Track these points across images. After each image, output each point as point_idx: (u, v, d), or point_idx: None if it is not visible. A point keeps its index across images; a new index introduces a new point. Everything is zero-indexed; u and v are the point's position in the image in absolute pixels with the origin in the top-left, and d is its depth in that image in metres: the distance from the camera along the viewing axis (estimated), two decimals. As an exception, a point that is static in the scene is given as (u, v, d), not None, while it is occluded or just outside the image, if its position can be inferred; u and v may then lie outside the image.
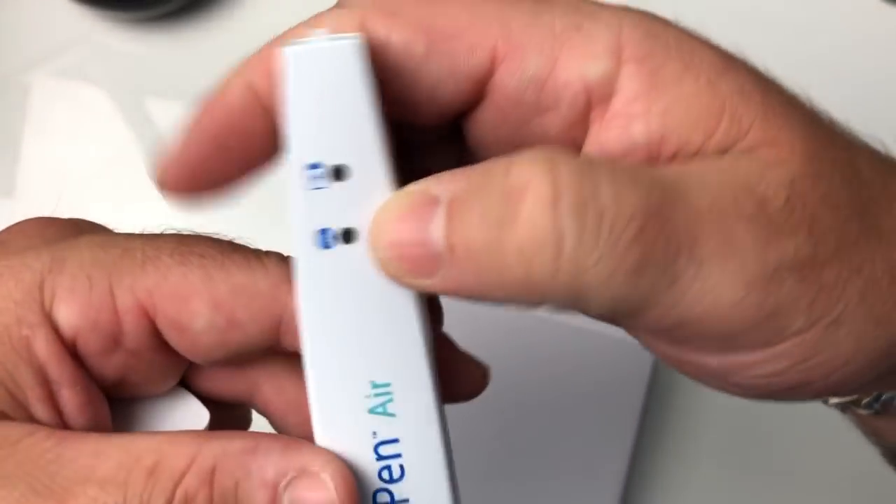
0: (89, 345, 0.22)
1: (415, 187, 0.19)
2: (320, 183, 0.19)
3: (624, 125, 0.19)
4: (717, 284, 0.18)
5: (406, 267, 0.19)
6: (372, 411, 0.21)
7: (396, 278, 0.19)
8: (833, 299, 0.19)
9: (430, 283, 0.19)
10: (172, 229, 0.24)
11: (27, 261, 0.22)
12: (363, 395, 0.21)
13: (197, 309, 0.22)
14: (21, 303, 0.22)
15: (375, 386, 0.20)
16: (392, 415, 0.21)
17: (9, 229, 0.24)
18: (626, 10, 0.20)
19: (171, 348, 0.23)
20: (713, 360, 0.20)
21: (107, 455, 0.21)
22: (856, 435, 0.28)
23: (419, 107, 0.21)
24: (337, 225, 0.19)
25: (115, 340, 0.23)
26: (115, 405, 0.24)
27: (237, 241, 0.24)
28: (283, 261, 0.23)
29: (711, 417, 0.45)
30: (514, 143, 0.21)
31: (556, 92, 0.20)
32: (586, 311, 0.19)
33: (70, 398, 0.22)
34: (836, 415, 0.27)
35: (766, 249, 0.18)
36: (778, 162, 0.19)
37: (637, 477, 0.44)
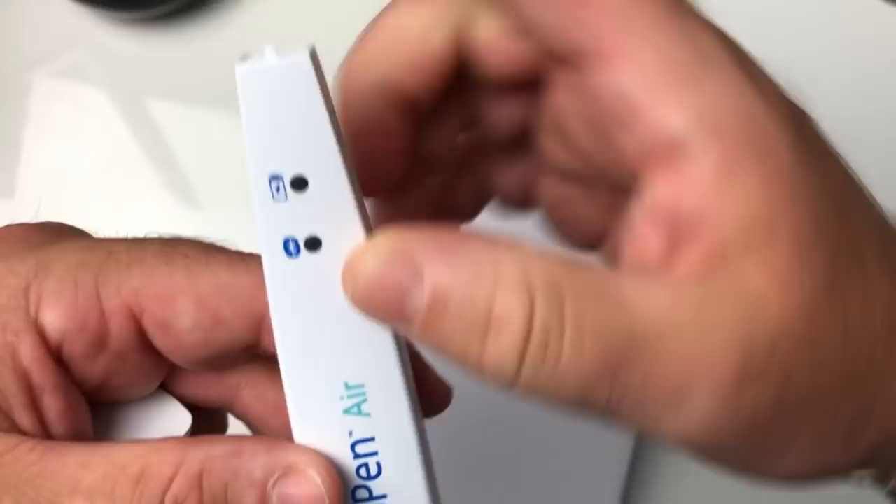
0: (75, 348, 0.22)
1: (395, 244, 0.18)
2: (281, 194, 0.20)
3: (679, 197, 0.18)
4: (677, 428, 0.18)
5: (379, 313, 0.19)
6: (347, 412, 0.21)
7: (369, 316, 0.19)
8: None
9: (402, 328, 0.19)
10: (156, 233, 0.25)
11: (12, 266, 0.22)
12: (338, 396, 0.21)
13: (182, 307, 0.23)
14: (6, 308, 0.22)
15: (349, 387, 0.21)
16: (367, 414, 0.21)
17: None
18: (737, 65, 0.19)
19: (154, 350, 0.23)
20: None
21: (91, 466, 0.21)
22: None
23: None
24: (301, 234, 0.20)
25: (101, 342, 0.23)
26: (97, 410, 0.24)
27: (219, 244, 0.24)
28: None
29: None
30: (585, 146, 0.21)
31: (637, 124, 0.19)
32: None
33: (52, 404, 0.22)
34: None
35: (725, 406, 0.18)
36: (773, 317, 0.18)
37: (637, 477, 0.44)
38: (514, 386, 0.18)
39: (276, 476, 0.21)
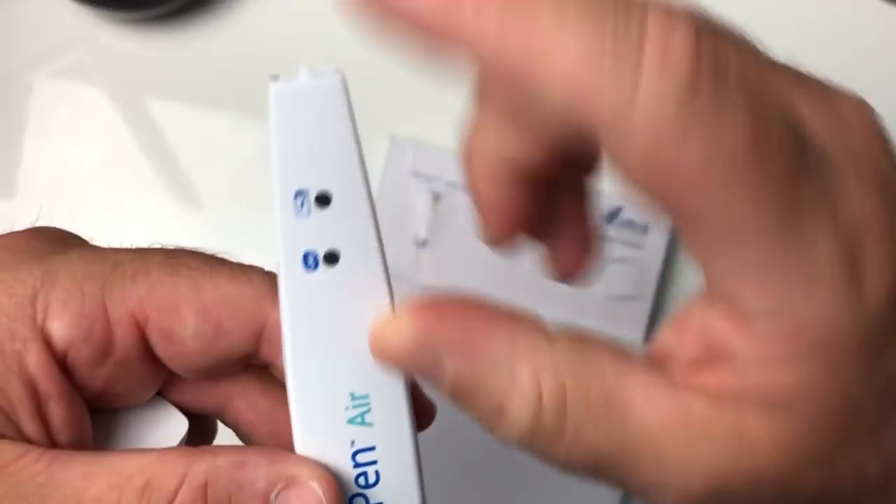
0: (81, 356, 0.23)
1: (419, 329, 0.19)
2: (305, 209, 0.21)
3: (730, 335, 0.18)
4: None
5: (406, 375, 0.21)
6: (351, 421, 0.22)
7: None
8: None
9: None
10: (158, 243, 0.25)
11: (19, 275, 0.23)
12: (343, 406, 0.22)
13: (186, 318, 0.23)
14: (14, 317, 0.22)
15: (354, 398, 0.22)
16: (370, 424, 0.22)
17: None
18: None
19: (156, 359, 0.24)
20: None
21: (96, 476, 0.21)
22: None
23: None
24: (321, 248, 0.21)
25: (106, 351, 0.23)
26: (96, 416, 0.24)
27: (220, 255, 0.25)
28: (266, 275, 0.24)
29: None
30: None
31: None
32: None
33: (57, 411, 0.23)
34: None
35: None
36: (758, 465, 0.18)
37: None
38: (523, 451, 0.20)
39: (278, 488, 0.22)
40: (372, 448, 0.22)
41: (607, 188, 0.23)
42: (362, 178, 0.21)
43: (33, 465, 0.21)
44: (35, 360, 0.22)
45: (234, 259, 0.25)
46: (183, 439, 0.25)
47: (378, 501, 0.22)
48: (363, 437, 0.22)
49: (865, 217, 0.17)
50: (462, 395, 0.19)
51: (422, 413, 0.24)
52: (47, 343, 0.22)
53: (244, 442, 0.27)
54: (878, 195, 0.18)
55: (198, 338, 0.23)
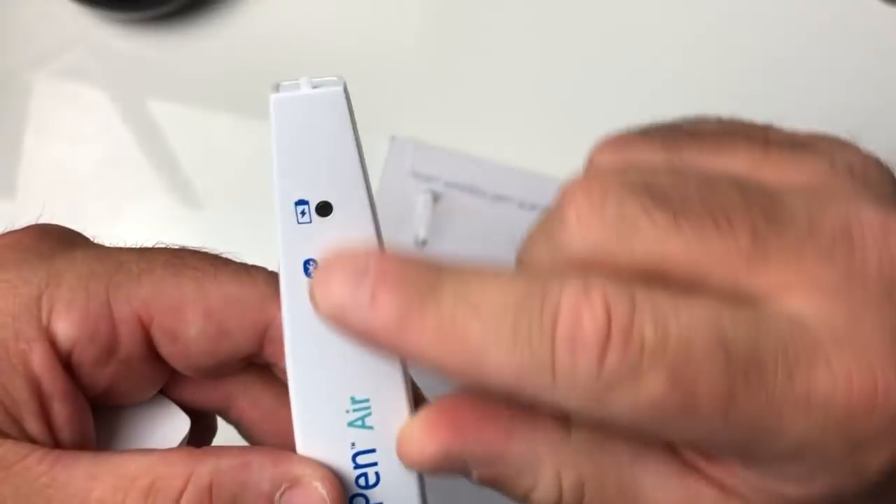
0: (85, 355, 0.23)
1: (443, 448, 0.20)
2: (306, 218, 0.21)
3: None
4: None
5: None
6: (351, 424, 0.22)
7: None
8: None
9: None
10: (162, 243, 0.25)
11: (24, 275, 0.23)
12: (343, 409, 0.22)
13: (190, 318, 0.23)
14: (18, 317, 0.22)
15: (355, 401, 0.22)
16: (370, 427, 0.22)
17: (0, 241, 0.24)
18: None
19: (159, 358, 0.24)
20: None
21: (101, 477, 0.21)
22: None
23: None
24: (321, 256, 0.21)
25: (110, 351, 0.23)
26: (98, 414, 0.24)
27: (220, 246, 0.25)
28: (270, 275, 0.24)
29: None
30: None
31: None
32: None
33: (61, 411, 0.23)
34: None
35: None
36: None
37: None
38: None
39: (283, 488, 0.22)
40: (372, 450, 0.22)
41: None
42: (364, 187, 0.21)
43: (37, 466, 0.21)
44: (40, 360, 0.22)
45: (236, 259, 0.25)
46: (185, 438, 0.25)
47: (378, 501, 0.22)
48: (364, 440, 0.22)
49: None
50: (489, 487, 0.21)
51: None
52: (52, 343, 0.22)
53: (245, 439, 0.27)
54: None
55: (202, 338, 0.23)
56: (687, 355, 0.17)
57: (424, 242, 0.45)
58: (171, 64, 0.50)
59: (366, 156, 0.21)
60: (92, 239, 0.26)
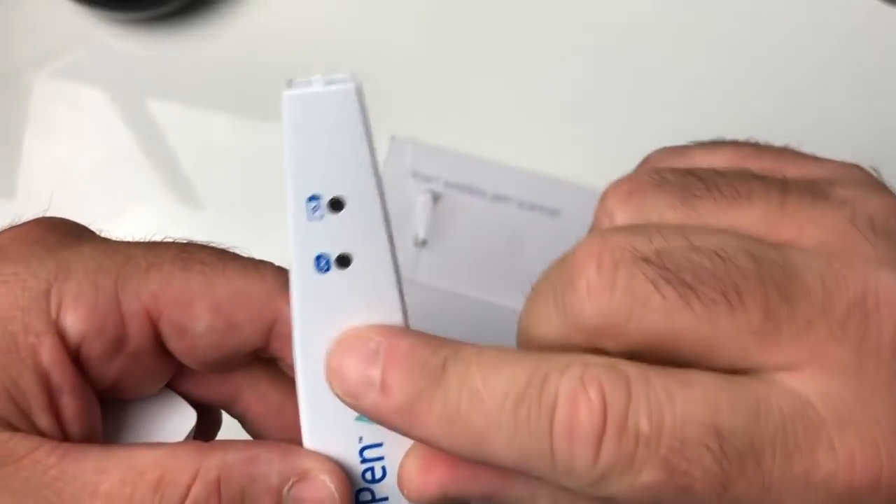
0: (94, 349, 0.23)
1: (435, 480, 0.21)
2: (318, 213, 0.21)
3: None
4: None
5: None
6: (359, 419, 0.22)
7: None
8: None
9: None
10: (169, 237, 0.25)
11: (32, 268, 0.23)
12: None
13: (198, 312, 0.23)
14: (27, 311, 0.22)
15: None
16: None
17: (8, 233, 0.24)
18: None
19: (167, 352, 0.24)
20: None
21: (109, 470, 0.21)
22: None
23: None
24: (333, 251, 0.21)
25: (118, 345, 0.23)
26: (106, 407, 0.24)
27: (223, 245, 0.25)
28: (278, 270, 0.24)
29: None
30: None
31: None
32: None
33: (70, 404, 0.23)
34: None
35: None
36: None
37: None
38: None
39: (291, 482, 0.22)
40: (379, 444, 0.22)
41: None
42: (375, 183, 0.21)
43: (46, 459, 0.21)
44: (49, 354, 0.22)
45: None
46: (191, 431, 0.25)
47: (384, 496, 0.23)
48: (371, 434, 0.22)
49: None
50: None
51: None
52: (61, 336, 0.22)
53: (249, 433, 0.27)
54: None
55: (209, 333, 0.23)
56: (682, 445, 0.17)
57: (424, 242, 0.45)
58: (171, 64, 0.50)
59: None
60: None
